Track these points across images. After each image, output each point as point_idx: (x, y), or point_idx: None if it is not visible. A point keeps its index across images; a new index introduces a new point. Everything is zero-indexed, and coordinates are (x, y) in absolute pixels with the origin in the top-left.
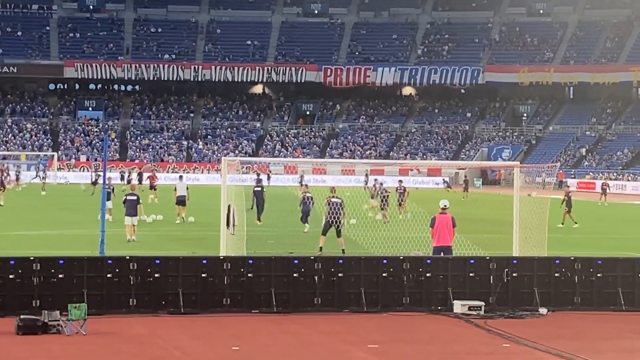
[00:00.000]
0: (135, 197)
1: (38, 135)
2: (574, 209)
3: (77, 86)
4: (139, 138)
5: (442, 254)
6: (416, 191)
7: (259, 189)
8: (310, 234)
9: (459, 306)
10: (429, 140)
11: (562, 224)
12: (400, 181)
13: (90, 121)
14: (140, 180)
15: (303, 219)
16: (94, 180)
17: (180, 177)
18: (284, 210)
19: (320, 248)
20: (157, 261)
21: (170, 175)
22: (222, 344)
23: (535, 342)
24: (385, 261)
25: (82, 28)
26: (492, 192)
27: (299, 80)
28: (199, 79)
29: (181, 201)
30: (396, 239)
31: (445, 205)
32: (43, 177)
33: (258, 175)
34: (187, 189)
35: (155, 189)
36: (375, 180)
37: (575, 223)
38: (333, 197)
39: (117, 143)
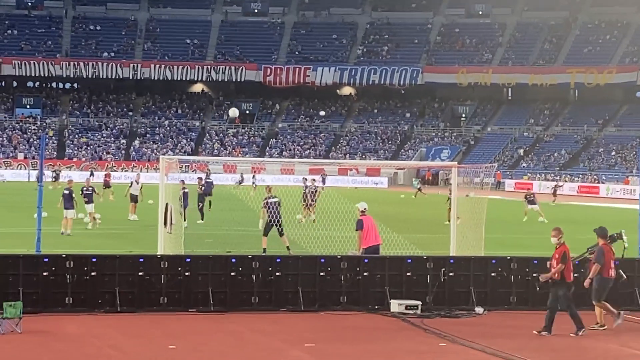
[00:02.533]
0: (68, 192)
1: None
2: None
3: (15, 83)
4: (77, 136)
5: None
6: (355, 190)
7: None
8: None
9: (396, 305)
10: (368, 140)
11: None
12: (314, 180)
13: (28, 119)
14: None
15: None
16: (54, 176)
17: (138, 174)
18: (223, 210)
19: (264, 250)
20: (94, 259)
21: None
22: (158, 342)
23: (471, 341)
24: (322, 260)
25: (20, 25)
26: (430, 192)
27: (238, 80)
28: (138, 77)
29: (134, 199)
30: (333, 238)
31: (365, 208)
32: None
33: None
34: (141, 188)
35: (110, 187)
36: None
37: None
38: (270, 197)
39: (56, 141)
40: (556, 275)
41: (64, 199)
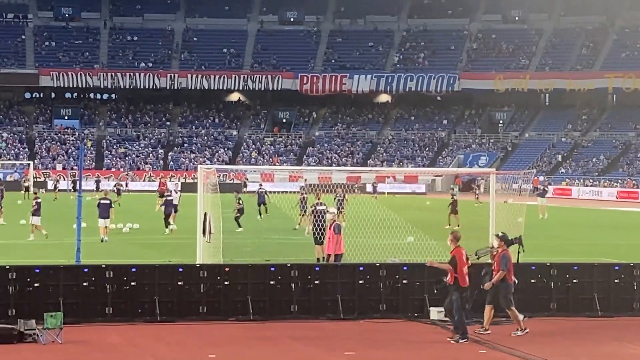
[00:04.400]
0: (108, 202)
1: (14, 144)
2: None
3: (53, 95)
4: (115, 146)
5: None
6: (393, 198)
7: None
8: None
9: (435, 313)
10: (406, 148)
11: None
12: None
13: (66, 130)
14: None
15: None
16: (117, 190)
17: (177, 184)
18: (263, 218)
19: (318, 259)
20: (134, 269)
21: (147, 184)
22: (198, 352)
23: (511, 347)
24: (361, 268)
25: (58, 37)
26: (468, 199)
27: (275, 88)
28: (175, 87)
29: (175, 208)
30: (371, 246)
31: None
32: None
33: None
34: (180, 197)
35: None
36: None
37: (458, 225)
38: (319, 204)
39: (94, 152)
40: (450, 278)
41: (102, 208)
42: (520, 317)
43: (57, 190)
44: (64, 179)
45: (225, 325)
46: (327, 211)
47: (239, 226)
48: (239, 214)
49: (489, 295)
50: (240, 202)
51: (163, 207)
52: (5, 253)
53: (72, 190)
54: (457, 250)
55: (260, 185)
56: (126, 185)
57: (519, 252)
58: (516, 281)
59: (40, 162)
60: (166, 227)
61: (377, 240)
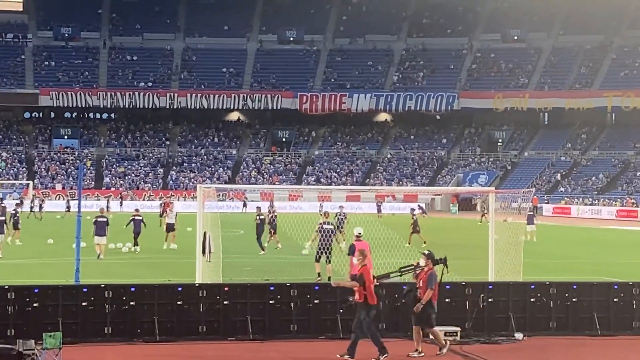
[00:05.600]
0: (105, 219)
1: (14, 163)
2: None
3: (52, 114)
4: (114, 166)
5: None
6: (392, 217)
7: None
8: (288, 261)
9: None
10: (405, 167)
11: (409, 243)
12: (341, 207)
13: (65, 149)
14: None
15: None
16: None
17: (172, 204)
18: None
19: (319, 274)
20: (133, 289)
21: (147, 203)
22: None
23: None
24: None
25: (57, 56)
26: (468, 217)
27: (274, 107)
28: (175, 107)
29: (170, 228)
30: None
31: (359, 233)
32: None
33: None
34: (176, 216)
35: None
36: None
37: (424, 242)
38: (325, 222)
39: (93, 171)
40: (357, 296)
41: (98, 225)
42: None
43: (41, 210)
44: (63, 199)
45: (224, 344)
46: (333, 230)
47: (262, 249)
48: (258, 234)
49: (414, 316)
50: (261, 218)
51: (132, 224)
52: (5, 273)
53: (67, 210)
54: (365, 268)
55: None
56: (120, 205)
57: (442, 273)
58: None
59: (40, 181)
60: (134, 245)
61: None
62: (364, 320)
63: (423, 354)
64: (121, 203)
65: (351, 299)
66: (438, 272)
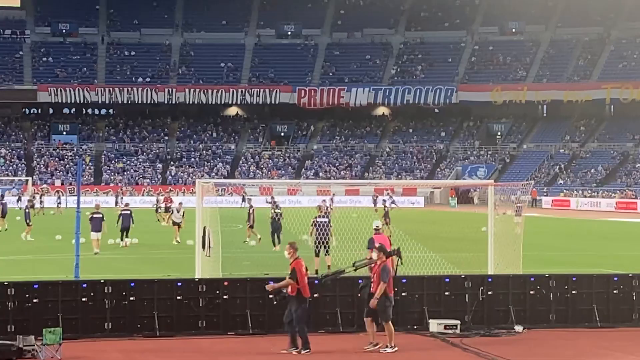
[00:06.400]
0: (100, 215)
1: (13, 160)
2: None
3: (51, 110)
4: (113, 161)
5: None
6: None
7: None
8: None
9: (434, 325)
10: (404, 160)
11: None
12: (324, 201)
13: (64, 145)
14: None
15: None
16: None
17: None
18: (261, 232)
19: (317, 271)
20: (132, 284)
21: (145, 199)
22: None
23: (511, 359)
24: (360, 281)
25: (55, 52)
26: (466, 210)
27: (273, 102)
28: (173, 102)
29: (177, 224)
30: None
31: (377, 226)
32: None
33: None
34: (183, 214)
35: (170, 211)
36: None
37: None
38: (320, 216)
39: (92, 167)
40: (290, 289)
41: (94, 222)
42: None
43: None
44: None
45: (224, 339)
46: (328, 223)
47: (274, 245)
48: (275, 229)
49: (366, 307)
50: (277, 212)
51: (121, 220)
52: (5, 269)
53: (58, 206)
54: (297, 262)
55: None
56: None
57: (397, 265)
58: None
59: (39, 177)
60: (122, 239)
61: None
62: (296, 312)
63: (379, 345)
64: (121, 199)
65: (285, 292)
66: (392, 264)
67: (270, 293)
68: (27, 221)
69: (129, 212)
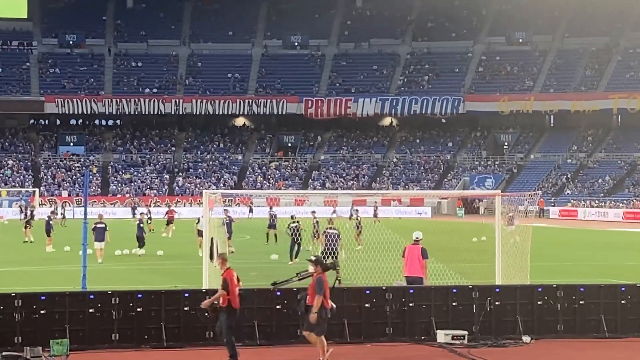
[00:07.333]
0: (103, 225)
1: (20, 171)
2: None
3: (58, 122)
4: (120, 172)
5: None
6: (399, 221)
7: (295, 224)
8: (294, 266)
9: (442, 335)
10: (411, 170)
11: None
12: (314, 212)
13: (71, 156)
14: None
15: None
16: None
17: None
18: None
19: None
20: (140, 295)
21: (152, 210)
22: None
23: None
24: (368, 292)
25: (63, 64)
26: (474, 221)
27: (280, 112)
28: (180, 113)
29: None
30: (377, 269)
31: (417, 237)
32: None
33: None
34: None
35: (172, 223)
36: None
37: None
38: (330, 228)
39: (99, 178)
40: (221, 301)
41: (98, 231)
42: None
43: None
44: (70, 206)
45: None
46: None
47: (291, 259)
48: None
49: (306, 322)
50: (294, 227)
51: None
52: (12, 280)
53: (62, 217)
54: (228, 272)
55: (271, 208)
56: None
57: (336, 278)
58: (334, 307)
59: (46, 189)
60: (140, 247)
61: (382, 264)
62: (224, 323)
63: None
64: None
65: (217, 304)
66: (331, 277)
67: (206, 308)
68: (48, 232)
69: (103, 225)
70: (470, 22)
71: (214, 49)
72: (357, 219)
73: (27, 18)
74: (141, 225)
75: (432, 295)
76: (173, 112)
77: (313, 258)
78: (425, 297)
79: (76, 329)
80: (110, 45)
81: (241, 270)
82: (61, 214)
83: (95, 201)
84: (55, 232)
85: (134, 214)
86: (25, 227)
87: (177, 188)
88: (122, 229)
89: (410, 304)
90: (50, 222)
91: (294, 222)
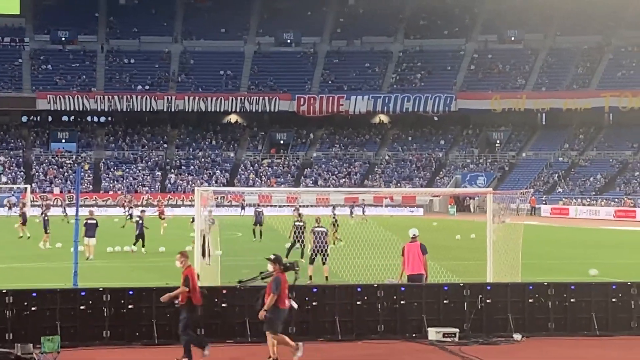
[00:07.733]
0: (94, 221)
1: (11, 168)
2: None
3: (50, 118)
4: (112, 169)
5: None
6: (390, 218)
7: (301, 223)
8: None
9: (433, 333)
10: (403, 168)
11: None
12: (298, 209)
13: (63, 153)
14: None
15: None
16: (129, 214)
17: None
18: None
19: (310, 277)
20: (131, 292)
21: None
22: None
23: None
24: (359, 289)
25: (55, 60)
26: (465, 219)
27: (272, 110)
28: (172, 110)
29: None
30: (369, 267)
31: (414, 234)
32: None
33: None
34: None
35: (164, 219)
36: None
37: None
38: (318, 226)
39: (91, 175)
40: (181, 298)
41: (88, 227)
42: (294, 344)
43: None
44: (61, 203)
45: (223, 347)
46: (326, 232)
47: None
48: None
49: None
50: (298, 224)
51: (136, 229)
52: (3, 277)
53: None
54: (189, 269)
55: (258, 205)
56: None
57: (295, 278)
58: (295, 306)
59: (38, 185)
60: (143, 246)
61: (374, 261)
62: (183, 320)
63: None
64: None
65: (177, 302)
66: (290, 276)
67: (165, 304)
68: (46, 229)
69: (94, 221)
70: (462, 20)
71: (206, 46)
72: (333, 217)
73: (20, 14)
74: (141, 222)
75: (423, 293)
76: (165, 109)
77: (272, 257)
78: (416, 294)
79: (67, 326)
80: (102, 42)
81: (233, 268)
82: (62, 210)
83: (87, 198)
84: (51, 230)
85: (128, 213)
86: (22, 224)
87: (169, 185)
88: (114, 226)
89: (402, 302)
90: (46, 218)
91: (299, 221)
